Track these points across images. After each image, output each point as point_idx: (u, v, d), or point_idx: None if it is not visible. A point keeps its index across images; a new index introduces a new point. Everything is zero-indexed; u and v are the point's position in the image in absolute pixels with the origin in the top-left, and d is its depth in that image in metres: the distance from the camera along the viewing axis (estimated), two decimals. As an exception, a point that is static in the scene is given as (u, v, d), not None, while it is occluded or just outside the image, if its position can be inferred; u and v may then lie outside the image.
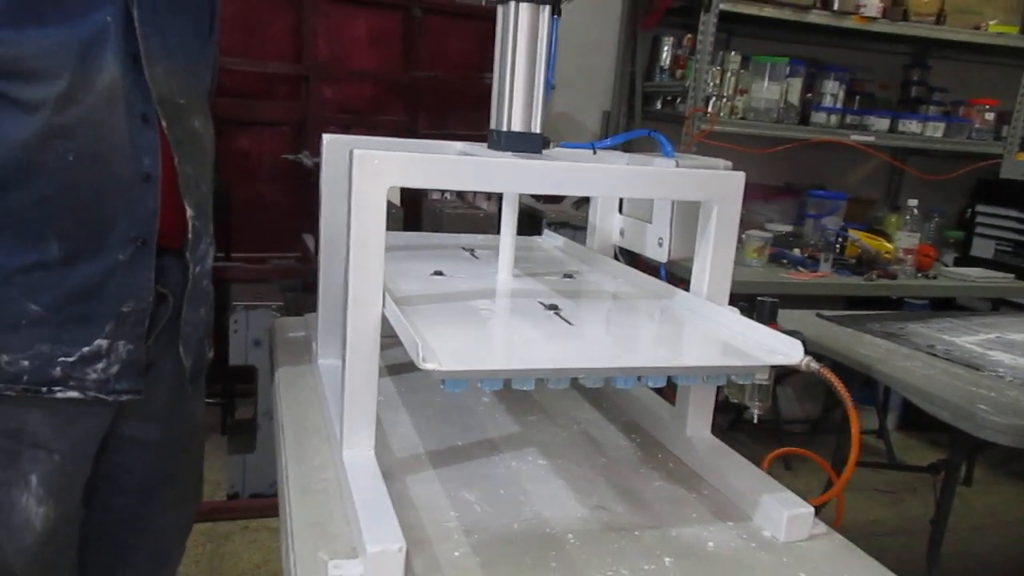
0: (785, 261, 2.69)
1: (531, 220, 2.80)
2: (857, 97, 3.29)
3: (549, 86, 1.06)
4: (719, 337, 0.89)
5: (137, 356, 1.20)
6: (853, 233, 2.76)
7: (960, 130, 3.26)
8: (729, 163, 1.09)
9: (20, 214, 1.08)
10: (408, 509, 0.86)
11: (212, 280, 1.36)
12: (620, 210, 1.28)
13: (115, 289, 1.15)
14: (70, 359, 1.13)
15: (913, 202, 2.68)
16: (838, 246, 2.75)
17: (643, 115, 3.30)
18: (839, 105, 3.17)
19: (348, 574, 0.73)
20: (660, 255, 1.15)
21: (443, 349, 0.74)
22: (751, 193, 3.31)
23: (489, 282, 1.09)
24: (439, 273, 1.11)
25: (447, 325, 0.87)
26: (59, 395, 1.14)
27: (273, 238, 2.84)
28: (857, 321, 1.90)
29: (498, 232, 1.17)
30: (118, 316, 1.16)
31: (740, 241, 2.68)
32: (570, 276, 1.18)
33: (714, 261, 0.98)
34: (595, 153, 1.15)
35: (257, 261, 2.67)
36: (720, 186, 0.96)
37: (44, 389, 1.13)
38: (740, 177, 0.97)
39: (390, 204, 2.73)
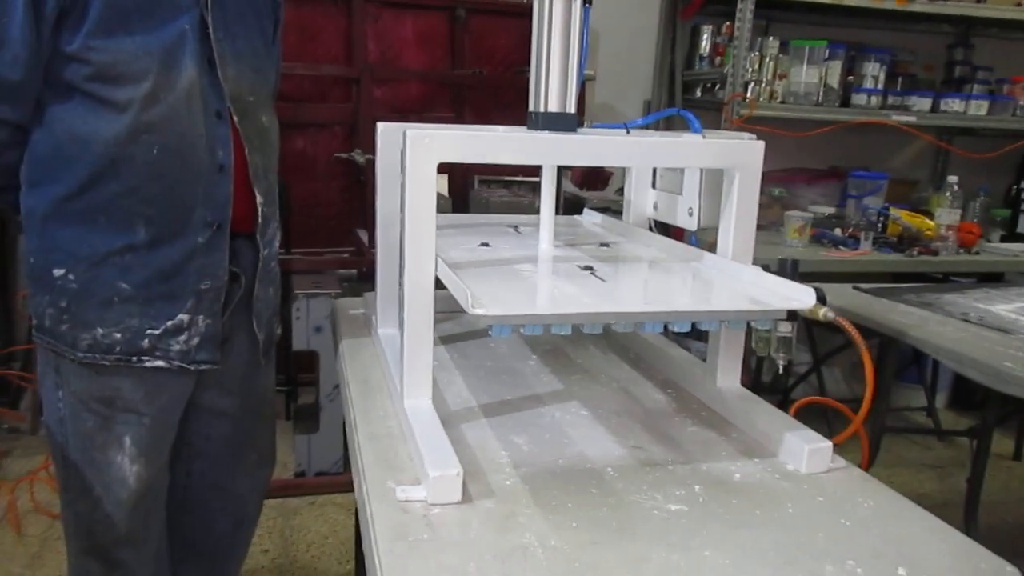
0: (826, 241, 2.73)
1: (575, 207, 2.89)
2: (899, 78, 3.30)
3: (582, 70, 1.15)
4: (740, 289, 0.98)
5: (215, 330, 1.33)
6: (894, 212, 2.78)
7: (1005, 108, 3.24)
8: (753, 136, 1.17)
9: (112, 202, 1.21)
10: (463, 449, 0.96)
11: (279, 263, 1.49)
12: (653, 185, 1.37)
13: (195, 269, 1.28)
14: (156, 332, 1.27)
15: (953, 179, 2.69)
16: (880, 225, 2.78)
17: (683, 103, 3.35)
18: (880, 87, 3.18)
19: (413, 496, 0.84)
20: (690, 224, 1.23)
21: (490, 298, 0.84)
22: (794, 176, 3.33)
23: (531, 251, 1.19)
24: (485, 244, 1.21)
25: (492, 282, 0.97)
26: (147, 364, 1.27)
27: (328, 234, 2.98)
28: (893, 293, 1.94)
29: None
30: (197, 294, 1.29)
31: (781, 222, 2.73)
32: (606, 245, 1.27)
33: (737, 224, 1.06)
34: (628, 133, 1.24)
35: (315, 255, 2.82)
36: (741, 154, 1.04)
37: (134, 359, 1.27)
38: (759, 146, 1.05)
39: (438, 195, 2.84)
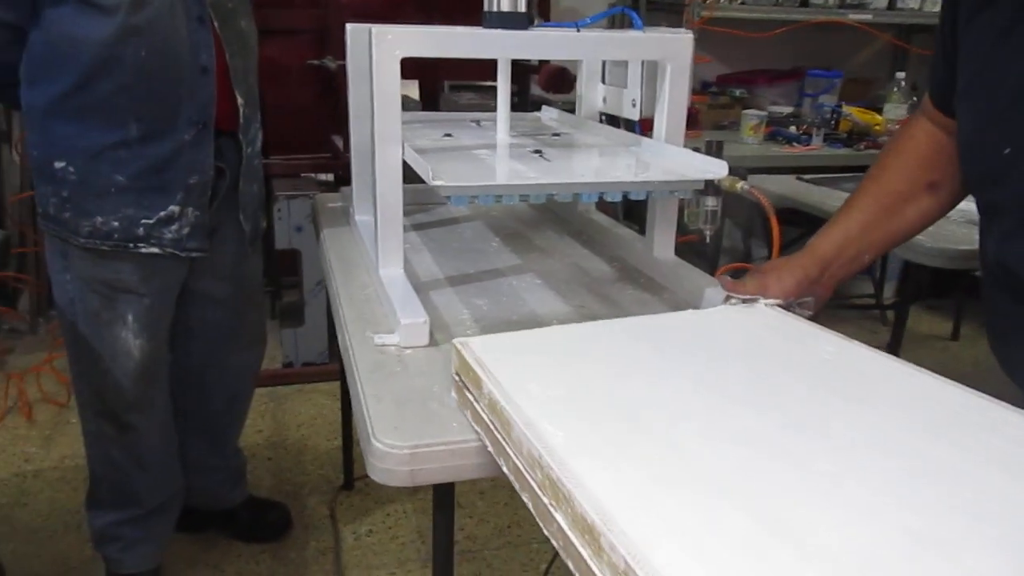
0: (780, 138, 2.86)
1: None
2: (859, -24, 3.37)
3: (533, -30, 1.26)
4: (667, 166, 1.13)
5: (203, 220, 1.46)
6: (846, 109, 2.92)
7: (959, 4, 3.34)
8: (690, 33, 1.29)
9: (105, 101, 1.32)
10: (431, 309, 1.12)
11: (261, 160, 1.62)
12: (603, 80, 1.50)
13: (183, 164, 1.40)
14: (150, 221, 1.40)
15: (900, 75, 2.82)
16: (833, 122, 2.91)
17: (647, 6, 3.42)
18: (839, -15, 3.26)
19: (388, 341, 1.00)
20: (633, 114, 1.36)
21: (448, 173, 0.98)
22: (755, 77, 3.41)
23: (489, 140, 1.33)
24: (448, 135, 1.34)
25: (452, 162, 1.11)
26: (143, 250, 1.41)
27: (304, 140, 3.07)
28: (833, 182, 2.10)
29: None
30: (186, 187, 1.42)
31: (738, 123, 2.86)
32: (557, 135, 1.40)
33: (669, 110, 1.20)
34: (579, 31, 1.36)
35: (294, 161, 2.92)
36: (671, 46, 1.17)
37: (131, 245, 1.40)
38: (688, 38, 1.18)
39: (408, 98, 2.93)
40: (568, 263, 1.37)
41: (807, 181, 2.11)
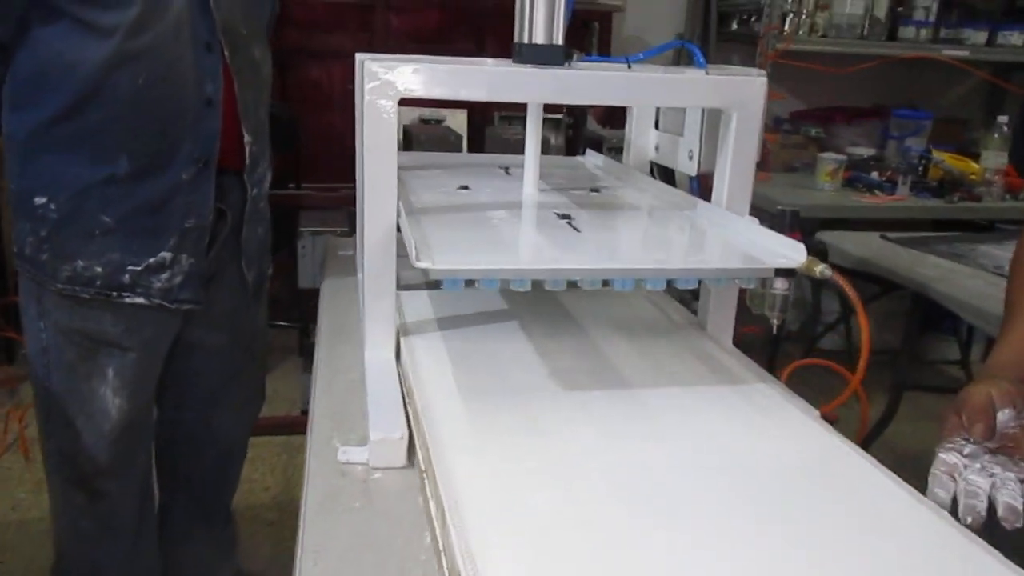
0: (861, 185, 2.58)
1: (596, 145, 2.77)
2: (955, 9, 3.07)
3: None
4: (727, 243, 0.90)
5: (198, 269, 1.28)
6: (937, 154, 2.62)
7: (1069, 42, 3.02)
8: (763, 75, 1.06)
9: (95, 132, 1.16)
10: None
11: (268, 203, 1.45)
12: (657, 126, 1.27)
13: (179, 205, 1.23)
14: (138, 268, 1.23)
15: (1003, 119, 2.51)
16: (920, 168, 2.62)
17: (718, 36, 3.17)
18: (932, 18, 2.97)
19: (354, 459, 0.79)
20: (690, 168, 1.14)
21: (442, 250, 0.77)
22: (832, 115, 3.13)
23: (512, 195, 1.11)
24: (464, 187, 1.13)
25: (455, 231, 0.90)
26: (127, 300, 1.24)
27: (344, 168, 2.91)
28: (924, 243, 1.82)
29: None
30: (181, 231, 1.24)
31: (812, 164, 2.60)
32: (596, 190, 1.18)
33: (733, 170, 0.97)
34: (630, 67, 1.14)
35: (330, 191, 2.76)
36: (738, 92, 0.94)
37: (114, 294, 1.23)
38: (760, 83, 0.95)
39: (450, 131, 2.75)
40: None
41: (893, 241, 1.84)
